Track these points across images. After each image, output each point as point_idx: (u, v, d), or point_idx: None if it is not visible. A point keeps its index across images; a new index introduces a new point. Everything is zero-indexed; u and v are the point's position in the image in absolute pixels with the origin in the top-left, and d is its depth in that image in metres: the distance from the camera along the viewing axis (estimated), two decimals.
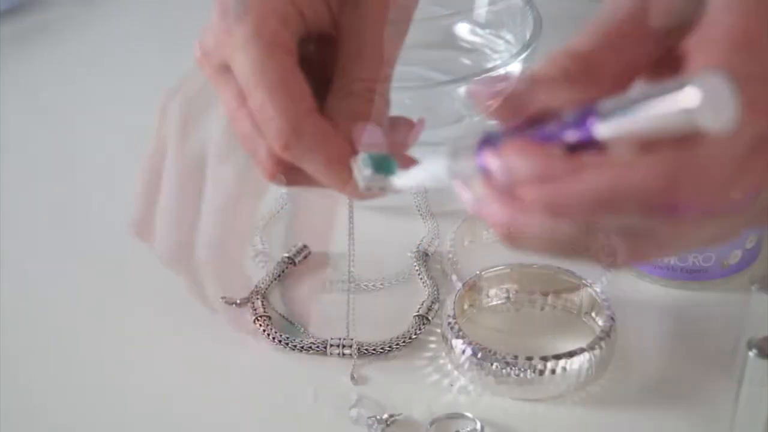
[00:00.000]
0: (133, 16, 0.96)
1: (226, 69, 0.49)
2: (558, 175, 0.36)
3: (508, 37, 0.79)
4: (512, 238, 0.39)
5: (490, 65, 0.78)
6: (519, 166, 0.37)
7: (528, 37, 0.72)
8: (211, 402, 0.58)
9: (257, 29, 0.48)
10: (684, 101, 0.32)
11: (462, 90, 0.72)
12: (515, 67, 0.70)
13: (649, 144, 0.34)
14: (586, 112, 0.35)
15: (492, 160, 0.37)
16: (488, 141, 0.38)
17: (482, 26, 0.81)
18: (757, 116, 0.35)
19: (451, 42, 0.82)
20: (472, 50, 0.81)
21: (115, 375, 0.60)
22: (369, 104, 0.49)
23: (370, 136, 0.47)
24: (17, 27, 0.94)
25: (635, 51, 0.38)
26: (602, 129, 0.34)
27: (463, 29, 0.81)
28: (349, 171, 0.47)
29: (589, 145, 0.35)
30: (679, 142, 0.34)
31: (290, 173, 0.49)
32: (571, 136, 0.36)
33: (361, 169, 0.46)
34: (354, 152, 0.47)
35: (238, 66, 0.48)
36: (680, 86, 0.32)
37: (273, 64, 0.47)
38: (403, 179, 0.45)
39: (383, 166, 0.46)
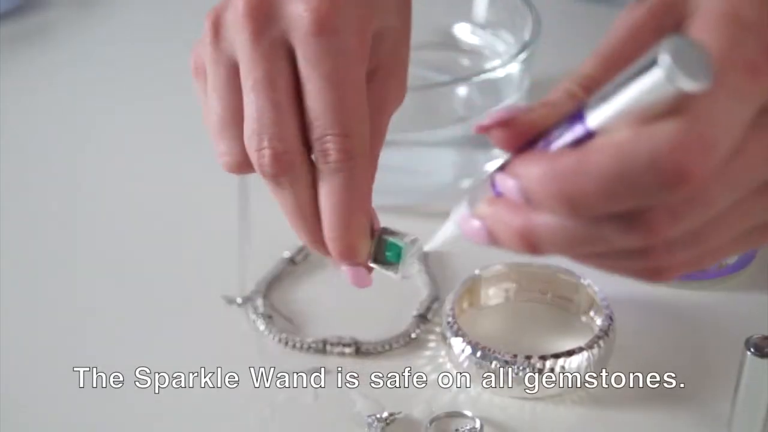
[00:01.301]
0: (133, 18, 0.96)
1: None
2: (566, 167, 0.36)
3: (507, 37, 0.79)
4: (533, 243, 0.38)
5: (489, 66, 0.78)
6: (527, 171, 0.37)
7: (527, 37, 0.73)
8: (210, 400, 0.58)
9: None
10: (657, 69, 0.33)
11: (461, 91, 0.73)
12: (514, 68, 0.70)
13: (647, 118, 0.34)
14: (578, 109, 0.36)
15: (502, 179, 0.38)
16: (499, 170, 0.39)
17: (481, 26, 0.81)
18: (761, 82, 0.35)
19: (450, 42, 0.82)
20: (471, 51, 0.81)
21: (115, 372, 0.60)
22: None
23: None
24: (17, 28, 0.94)
25: None
26: (594, 118, 0.35)
27: (462, 30, 0.82)
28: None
29: (588, 139, 0.36)
30: (677, 110, 0.34)
31: None
32: (570, 136, 0.36)
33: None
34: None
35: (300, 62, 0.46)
36: (652, 55, 0.33)
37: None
38: (434, 240, 0.45)
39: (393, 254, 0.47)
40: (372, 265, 0.47)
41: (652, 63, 0.33)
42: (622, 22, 0.40)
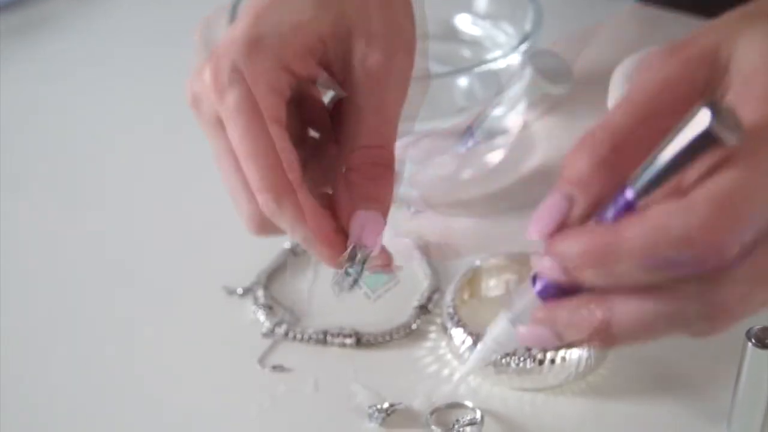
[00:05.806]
0: (133, 10, 0.96)
1: (219, 122, 0.49)
2: (601, 241, 0.37)
3: (508, 28, 0.79)
4: (605, 335, 0.39)
5: (489, 57, 0.78)
6: (564, 249, 0.38)
7: (528, 28, 0.73)
8: (211, 392, 0.58)
9: (246, 100, 0.48)
10: (699, 122, 0.34)
11: (461, 82, 0.73)
12: (515, 59, 0.70)
13: (684, 188, 0.36)
14: (622, 188, 0.37)
15: (540, 260, 0.39)
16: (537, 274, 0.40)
17: (482, 17, 0.81)
18: None
19: (451, 33, 0.82)
20: (471, 42, 0.81)
21: (115, 372, 0.60)
22: (371, 183, 0.49)
23: (372, 229, 0.48)
24: (18, 20, 0.94)
25: (668, 122, 0.37)
26: (634, 189, 0.37)
27: (463, 21, 0.82)
28: (331, 248, 0.49)
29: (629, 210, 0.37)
30: (705, 180, 0.35)
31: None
32: (612, 212, 0.38)
33: (345, 281, 0.49)
34: (346, 236, 0.49)
35: (229, 133, 0.49)
36: (693, 113, 0.35)
37: (259, 136, 0.48)
38: (472, 360, 0.47)
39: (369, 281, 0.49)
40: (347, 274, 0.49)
41: (697, 118, 0.35)
42: (654, 74, 0.40)
